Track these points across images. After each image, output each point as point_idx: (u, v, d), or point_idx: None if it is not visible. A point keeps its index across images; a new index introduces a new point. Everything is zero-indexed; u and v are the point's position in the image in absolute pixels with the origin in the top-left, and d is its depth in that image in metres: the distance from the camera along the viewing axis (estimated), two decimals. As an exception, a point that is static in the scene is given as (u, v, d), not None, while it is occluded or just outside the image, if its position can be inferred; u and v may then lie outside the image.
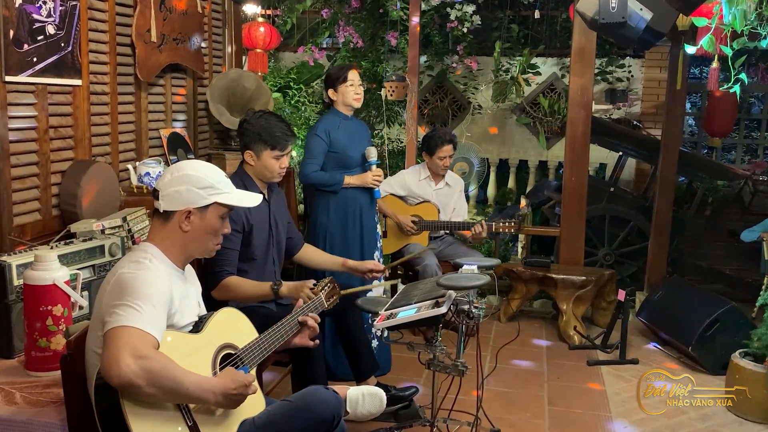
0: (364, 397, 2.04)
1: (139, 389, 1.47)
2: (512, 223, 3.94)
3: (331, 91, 3.26)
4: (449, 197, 4.14)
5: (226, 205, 1.79)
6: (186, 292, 1.79)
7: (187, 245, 1.77)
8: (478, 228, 3.86)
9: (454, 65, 6.46)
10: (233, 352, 1.78)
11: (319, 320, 2.13)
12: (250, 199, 1.88)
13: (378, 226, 3.47)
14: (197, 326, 1.77)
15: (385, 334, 2.33)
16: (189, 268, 1.87)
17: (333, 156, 3.24)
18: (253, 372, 1.80)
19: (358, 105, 3.29)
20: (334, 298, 2.41)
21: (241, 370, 1.69)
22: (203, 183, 1.75)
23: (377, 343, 3.27)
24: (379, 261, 3.38)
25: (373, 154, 3.28)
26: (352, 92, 3.22)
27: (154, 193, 1.77)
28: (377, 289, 3.31)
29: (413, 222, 3.94)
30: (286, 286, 2.50)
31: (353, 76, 3.23)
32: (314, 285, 2.41)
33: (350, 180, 3.25)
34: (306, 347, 2.13)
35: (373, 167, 3.28)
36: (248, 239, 2.59)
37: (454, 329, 2.29)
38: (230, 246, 2.50)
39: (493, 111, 6.61)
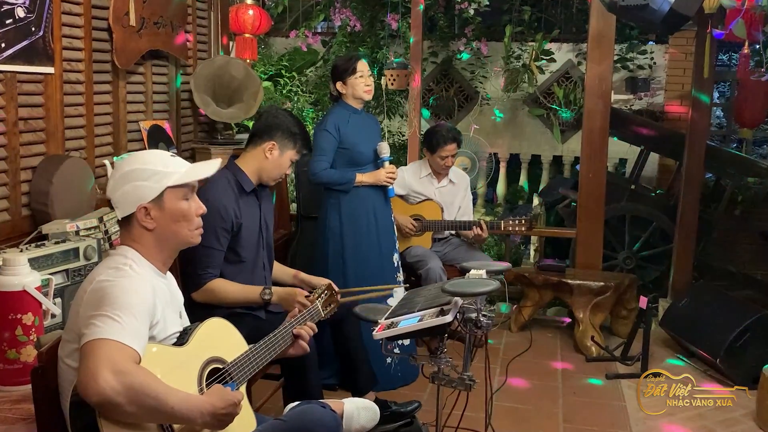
0: (359, 411, 2.08)
1: (119, 407, 1.46)
2: (522, 222, 3.94)
3: (339, 84, 3.31)
4: (454, 195, 4.13)
5: (180, 185, 1.75)
6: (169, 301, 1.79)
7: (161, 242, 1.76)
8: (478, 229, 3.87)
9: (461, 49, 6.43)
10: (221, 367, 1.78)
11: (316, 330, 2.14)
12: (205, 168, 1.81)
13: (395, 226, 3.54)
14: (182, 338, 1.76)
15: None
16: (170, 275, 1.87)
17: (343, 152, 3.29)
18: (243, 389, 1.80)
19: (369, 97, 3.35)
20: (332, 306, 2.41)
21: (228, 387, 1.69)
22: (146, 173, 1.72)
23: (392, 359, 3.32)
24: (397, 263, 3.48)
25: (385, 149, 3.35)
26: (362, 84, 3.27)
27: (109, 203, 1.76)
28: (397, 290, 3.31)
29: (414, 222, 3.94)
30: (277, 294, 2.50)
31: (362, 66, 3.28)
32: (310, 293, 2.41)
33: (362, 178, 3.30)
34: (299, 357, 2.14)
35: (386, 164, 3.35)
36: (237, 238, 2.57)
37: (461, 340, 2.29)
38: (216, 246, 2.49)
39: (503, 101, 6.61)
